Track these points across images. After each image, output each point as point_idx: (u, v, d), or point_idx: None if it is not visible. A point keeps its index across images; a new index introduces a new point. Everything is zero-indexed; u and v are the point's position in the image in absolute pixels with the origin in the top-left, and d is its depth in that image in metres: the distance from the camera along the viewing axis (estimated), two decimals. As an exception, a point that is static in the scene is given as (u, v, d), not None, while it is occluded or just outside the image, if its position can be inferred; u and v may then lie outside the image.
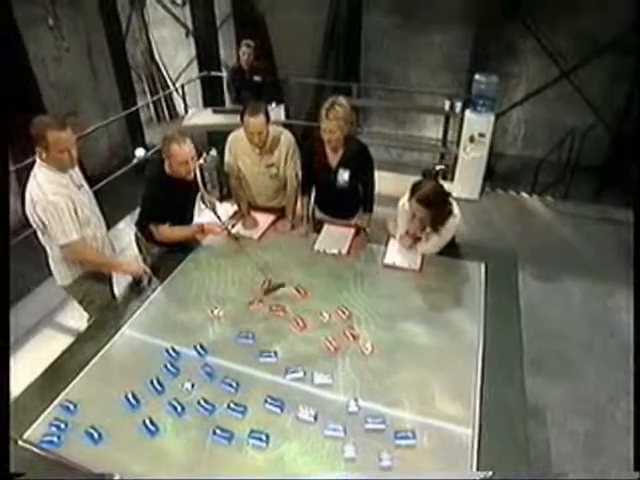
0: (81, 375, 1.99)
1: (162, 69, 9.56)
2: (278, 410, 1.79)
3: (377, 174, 2.82)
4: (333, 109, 2.52)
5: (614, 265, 3.92)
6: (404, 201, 2.54)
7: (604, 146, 6.16)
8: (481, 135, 4.68)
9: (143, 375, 1.95)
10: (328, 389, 1.88)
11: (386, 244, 2.74)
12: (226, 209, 3.21)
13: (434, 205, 2.38)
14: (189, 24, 7.92)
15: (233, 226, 2.96)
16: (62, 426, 1.77)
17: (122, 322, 2.25)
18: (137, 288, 2.47)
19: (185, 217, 2.75)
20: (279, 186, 3.03)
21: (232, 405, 1.81)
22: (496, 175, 6.58)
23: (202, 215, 3.07)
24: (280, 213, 3.06)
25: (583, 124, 6.03)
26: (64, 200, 2.19)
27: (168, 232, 2.65)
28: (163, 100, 9.29)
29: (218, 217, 2.62)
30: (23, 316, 3.60)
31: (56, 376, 2.01)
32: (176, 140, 2.40)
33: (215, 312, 2.28)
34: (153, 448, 1.69)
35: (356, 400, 1.81)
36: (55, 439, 1.72)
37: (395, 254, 2.63)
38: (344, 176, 2.73)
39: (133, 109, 7.32)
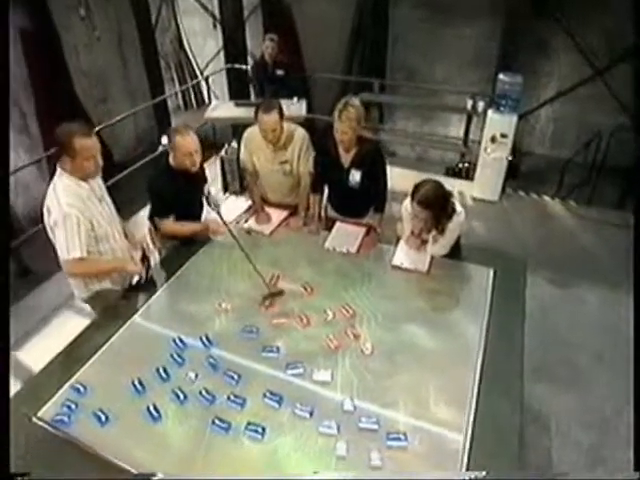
0: (92, 360, 2.08)
1: (190, 58, 9.67)
2: (276, 404, 1.85)
3: (399, 171, 2.83)
4: (346, 110, 2.54)
5: (632, 274, 3.82)
6: (407, 202, 2.55)
7: (632, 149, 5.98)
8: (503, 136, 4.60)
9: (150, 363, 2.03)
10: (326, 386, 1.93)
11: (396, 244, 2.76)
12: (241, 203, 3.27)
13: (435, 206, 2.38)
14: (217, 14, 7.98)
15: (246, 220, 3.02)
16: (72, 407, 1.86)
17: (133, 311, 2.34)
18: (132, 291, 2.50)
19: (192, 210, 2.79)
20: (292, 183, 3.07)
21: (232, 397, 1.87)
22: (521, 174, 6.48)
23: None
24: (293, 210, 3.10)
25: (613, 125, 5.86)
26: (77, 214, 2.13)
27: (172, 227, 2.69)
28: (191, 88, 9.42)
29: (222, 218, 2.57)
30: (45, 298, 3.77)
31: (70, 359, 2.11)
32: (180, 132, 2.45)
33: (223, 305, 2.34)
34: (155, 433, 1.77)
35: (352, 399, 1.85)
36: (65, 419, 1.82)
37: (403, 255, 2.65)
38: (356, 176, 2.75)
39: (161, 97, 7.46)
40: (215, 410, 1.83)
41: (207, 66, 9.35)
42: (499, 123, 4.61)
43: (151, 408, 1.84)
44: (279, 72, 5.15)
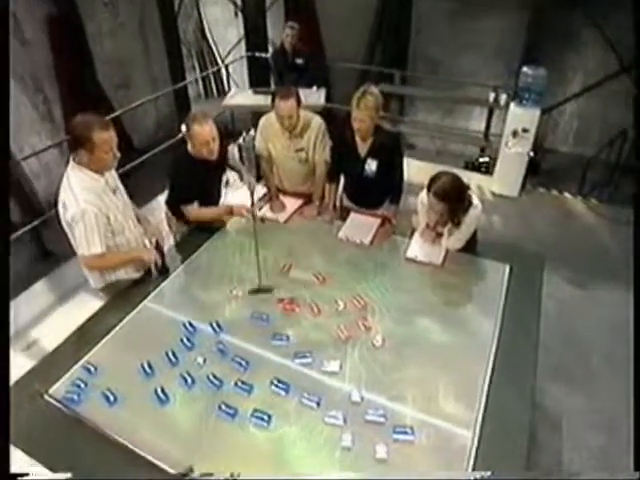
0: (104, 341, 2.11)
1: (212, 47, 9.67)
2: (283, 392, 1.84)
3: (416, 163, 2.77)
4: (364, 98, 2.50)
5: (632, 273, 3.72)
6: (423, 194, 2.50)
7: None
8: (525, 130, 4.49)
9: (160, 346, 2.04)
10: (334, 377, 1.91)
11: (411, 237, 2.72)
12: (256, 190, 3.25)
13: (451, 198, 2.33)
14: (239, 2, 7.95)
15: (261, 208, 3.01)
16: (82, 386, 1.89)
17: (145, 294, 2.35)
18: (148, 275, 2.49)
19: (211, 197, 2.79)
20: (308, 171, 3.05)
21: (239, 383, 1.87)
22: (542, 172, 6.33)
23: (229, 196, 3.11)
24: (308, 198, 3.08)
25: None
26: (95, 210, 2.10)
27: (197, 212, 2.71)
28: (211, 77, 9.42)
29: (252, 199, 2.60)
30: (63, 280, 3.83)
31: (82, 339, 2.14)
32: (197, 120, 2.44)
33: (234, 292, 2.34)
34: (161, 416, 1.78)
35: (360, 391, 1.83)
36: (75, 397, 1.84)
37: (417, 248, 2.61)
38: (372, 166, 2.72)
39: (182, 84, 7.48)
40: (222, 395, 1.84)
41: (228, 55, 9.34)
42: (521, 117, 4.50)
43: (159, 391, 1.85)
44: (299, 61, 5.11)
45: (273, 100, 2.72)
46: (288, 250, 2.61)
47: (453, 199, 2.33)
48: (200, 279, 2.46)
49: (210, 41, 9.66)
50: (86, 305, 3.35)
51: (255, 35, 6.98)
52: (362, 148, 2.73)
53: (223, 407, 1.78)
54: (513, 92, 4.81)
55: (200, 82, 9.48)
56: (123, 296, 2.39)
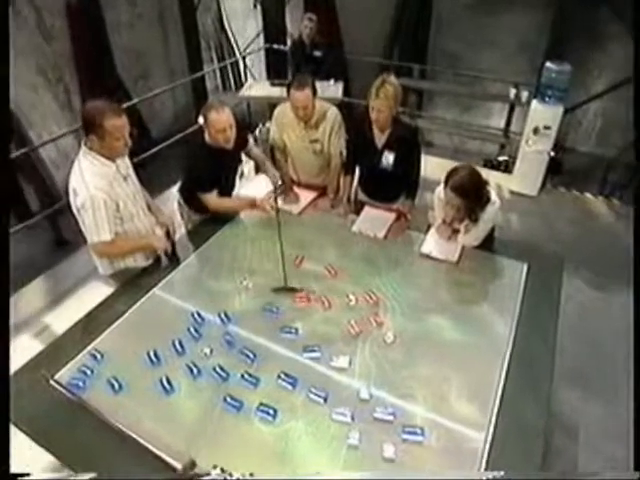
0: (111, 328, 2.09)
1: (231, 39, 9.65)
2: (290, 387, 1.79)
3: (434, 160, 2.69)
4: (383, 87, 2.44)
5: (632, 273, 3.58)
6: (440, 189, 2.43)
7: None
8: (546, 128, 4.36)
9: (167, 335, 2.01)
10: (343, 373, 1.86)
11: (426, 232, 2.65)
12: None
13: (469, 194, 2.25)
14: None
15: (274, 199, 2.96)
16: (88, 372, 1.87)
17: (154, 283, 2.33)
18: (158, 264, 2.46)
19: (225, 187, 2.75)
20: (322, 163, 2.99)
21: (246, 375, 1.83)
22: (563, 171, 6.17)
23: (243, 187, 3.08)
24: (322, 191, 3.02)
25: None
26: (105, 196, 2.07)
27: (217, 202, 2.65)
28: (229, 69, 9.41)
29: (276, 193, 2.59)
30: (77, 267, 3.84)
31: (89, 326, 2.12)
32: (214, 108, 2.40)
33: (244, 283, 2.30)
34: (166, 406, 1.75)
35: (369, 388, 1.78)
36: (80, 383, 1.82)
37: (432, 244, 2.54)
38: (389, 158, 2.65)
39: (200, 74, 7.47)
40: (228, 388, 1.80)
41: (247, 48, 9.31)
42: (543, 114, 4.36)
43: (164, 380, 1.82)
44: (317, 53, 5.04)
45: (288, 90, 2.67)
46: (300, 242, 2.56)
47: (471, 194, 2.26)
48: (210, 269, 2.43)
49: (229, 33, 9.65)
50: (98, 292, 3.38)
51: (273, 27, 6.93)
52: (379, 140, 2.66)
53: (228, 399, 1.74)
54: (535, 88, 4.68)
55: (218, 74, 9.47)
56: (133, 283, 2.36)
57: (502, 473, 1.48)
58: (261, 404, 1.73)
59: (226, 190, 2.76)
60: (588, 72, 6.20)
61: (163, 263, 2.47)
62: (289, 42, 6.28)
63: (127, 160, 2.33)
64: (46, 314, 3.50)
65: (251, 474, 1.45)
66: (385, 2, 6.82)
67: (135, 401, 1.76)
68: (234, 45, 9.70)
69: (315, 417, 1.69)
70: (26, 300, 3.45)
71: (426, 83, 6.05)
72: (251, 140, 2.87)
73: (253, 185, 3.03)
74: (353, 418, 1.68)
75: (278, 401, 1.74)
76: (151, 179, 3.13)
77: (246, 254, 2.52)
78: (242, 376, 1.83)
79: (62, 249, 5.03)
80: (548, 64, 4.31)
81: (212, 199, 2.63)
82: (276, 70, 6.42)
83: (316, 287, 2.27)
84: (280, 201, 2.94)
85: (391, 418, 1.67)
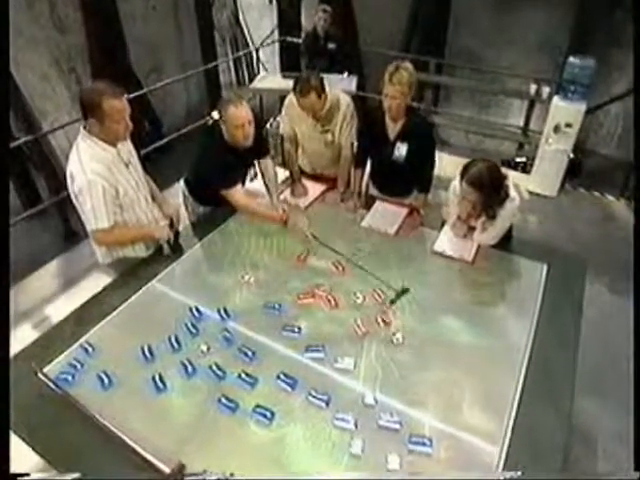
0: (105, 320, 1.99)
1: (246, 34, 9.57)
2: (289, 388, 1.68)
3: (448, 157, 2.55)
4: (398, 73, 2.31)
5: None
6: (455, 183, 2.29)
7: None
8: (568, 125, 4.18)
9: (163, 330, 1.91)
10: (347, 375, 1.74)
11: (440, 229, 2.51)
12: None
13: (487, 188, 2.11)
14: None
15: (281, 192, 2.85)
16: (78, 366, 1.78)
17: (153, 275, 2.23)
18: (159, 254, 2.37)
19: (242, 182, 2.62)
20: (333, 155, 2.87)
21: (243, 375, 1.72)
22: (582, 173, 5.97)
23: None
24: (332, 184, 2.90)
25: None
26: (103, 182, 1.97)
27: (246, 201, 2.50)
28: (244, 64, 9.32)
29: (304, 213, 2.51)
30: (81, 258, 3.77)
31: (83, 318, 2.03)
32: (233, 102, 2.27)
33: (246, 278, 2.19)
34: (157, 405, 1.64)
35: (374, 392, 1.66)
36: (69, 378, 1.73)
37: (447, 241, 2.40)
38: (402, 150, 2.52)
39: (213, 64, 7.40)
40: (223, 387, 1.69)
41: (262, 43, 9.22)
42: (565, 111, 4.18)
43: (157, 378, 1.72)
44: (331, 46, 4.92)
45: (294, 90, 2.55)
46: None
47: (489, 188, 2.12)
48: (212, 262, 2.33)
49: (244, 28, 9.57)
50: (101, 282, 3.30)
51: (288, 22, 6.85)
52: (392, 130, 2.53)
53: (223, 400, 1.63)
54: (557, 85, 4.50)
55: (232, 70, 9.39)
56: (132, 274, 2.27)
57: (519, 473, 1.40)
58: (258, 406, 1.61)
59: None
60: (609, 73, 5.98)
61: (164, 254, 2.37)
62: (303, 35, 6.18)
63: (130, 146, 2.23)
64: (48, 305, 3.43)
65: (231, 474, 1.34)
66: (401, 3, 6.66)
67: (125, 399, 1.66)
68: (249, 40, 9.61)
69: (315, 422, 1.58)
70: (29, 290, 3.38)
71: (443, 78, 5.86)
72: (268, 158, 2.75)
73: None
74: (356, 425, 1.55)
75: (276, 403, 1.63)
76: (161, 172, 3.04)
77: (250, 248, 2.41)
78: (239, 376, 1.72)
79: (72, 240, 4.98)
80: (571, 59, 4.13)
81: (239, 196, 2.48)
82: (290, 64, 6.30)
83: (322, 284, 2.15)
84: (287, 194, 2.84)
85: (397, 427, 1.55)
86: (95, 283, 2.49)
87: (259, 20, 9.33)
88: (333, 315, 2.00)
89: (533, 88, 4.73)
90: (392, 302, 2.05)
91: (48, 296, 3.32)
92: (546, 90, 4.59)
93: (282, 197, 2.78)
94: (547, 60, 6.12)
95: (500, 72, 5.68)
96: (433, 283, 2.20)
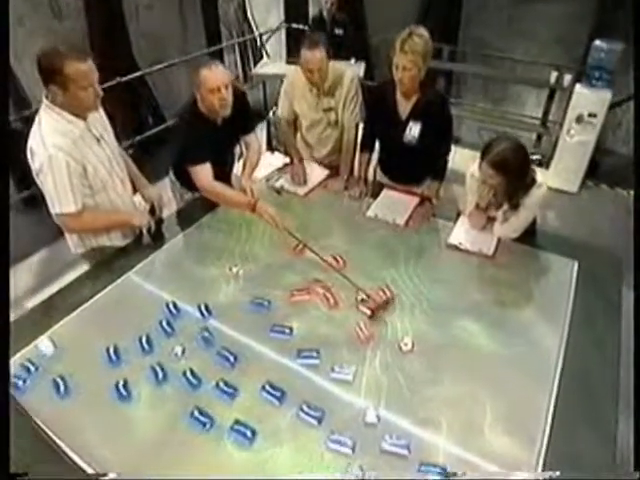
0: (71, 316, 1.74)
1: (254, 28, 9.34)
2: (276, 401, 1.40)
3: (462, 151, 2.27)
4: (411, 40, 2.01)
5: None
6: (474, 167, 2.01)
7: None
8: (592, 115, 3.86)
9: (134, 329, 1.65)
10: (345, 387, 1.46)
11: (456, 221, 2.23)
12: (276, 160, 2.84)
13: (511, 171, 1.82)
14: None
15: (278, 179, 2.59)
16: (32, 369, 1.52)
17: (129, 266, 1.97)
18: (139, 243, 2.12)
19: (222, 164, 2.35)
20: (339, 137, 2.59)
21: (222, 384, 1.45)
22: (600, 172, 5.66)
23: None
24: (335, 170, 2.62)
25: None
26: (67, 158, 1.71)
27: (211, 183, 2.16)
28: (251, 59, 9.08)
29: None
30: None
31: (48, 312, 1.78)
32: (206, 65, 2.02)
33: (234, 270, 1.92)
34: (119, 416, 1.38)
35: (377, 409, 1.38)
36: (20, 383, 1.47)
37: (463, 233, 2.12)
38: (414, 130, 2.23)
39: (218, 47, 7.16)
40: (198, 398, 1.42)
41: (270, 38, 8.99)
42: (589, 99, 3.86)
43: (120, 385, 1.45)
44: (338, 31, 4.66)
45: (299, 52, 2.30)
46: (305, 227, 2.16)
47: (513, 172, 1.83)
48: (197, 253, 2.07)
49: (252, 23, 9.34)
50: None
51: (295, 13, 6.63)
52: (403, 108, 2.24)
53: (196, 414, 1.37)
54: (578, 72, 4.18)
55: (239, 61, 9.16)
56: (106, 265, 2.01)
57: (558, 473, 1.22)
58: (237, 422, 1.34)
59: (222, 168, 2.36)
60: (628, 70, 5.66)
61: (144, 242, 2.12)
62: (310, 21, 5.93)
63: (104, 120, 1.97)
64: (31, 299, 3.19)
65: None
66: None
67: (82, 409, 1.40)
68: (256, 34, 9.39)
69: (305, 443, 1.30)
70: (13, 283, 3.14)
71: (456, 65, 5.54)
72: (256, 134, 2.47)
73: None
74: (354, 448, 1.28)
75: (259, 419, 1.36)
76: (156, 163, 2.82)
77: (240, 238, 2.14)
78: (217, 384, 1.45)
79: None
80: (597, 42, 3.82)
81: (205, 177, 2.16)
82: (296, 49, 6.05)
83: (320, 279, 1.88)
84: (285, 180, 2.57)
85: (404, 452, 1.27)
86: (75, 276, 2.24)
87: (266, 13, 9.10)
88: (331, 315, 1.73)
89: (554, 76, 4.41)
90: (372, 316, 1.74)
91: (23, 291, 3.08)
92: (567, 77, 4.27)
93: (278, 183, 2.51)
94: (564, 53, 5.81)
95: (519, 59, 5.35)
96: (448, 280, 1.92)
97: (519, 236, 2.08)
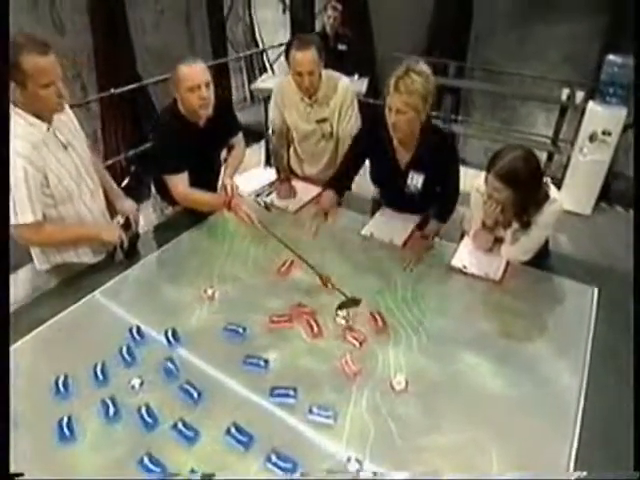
0: (24, 339, 1.53)
1: (264, 54, 9.36)
2: (241, 447, 1.19)
3: (466, 171, 2.03)
4: (407, 78, 1.71)
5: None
6: (480, 181, 1.80)
7: None
8: (606, 133, 3.67)
9: (91, 356, 1.45)
10: (325, 432, 1.24)
11: (459, 241, 2.02)
12: (268, 174, 2.66)
13: (521, 184, 1.62)
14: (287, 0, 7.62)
15: (269, 194, 2.41)
16: (-32, 403, 1.31)
17: (97, 284, 1.78)
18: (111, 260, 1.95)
19: (204, 172, 2.17)
20: (334, 150, 2.42)
21: (180, 425, 1.23)
22: (611, 196, 5.44)
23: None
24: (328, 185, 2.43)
25: None
26: (25, 164, 1.54)
27: (186, 191, 2.03)
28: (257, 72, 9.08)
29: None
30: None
31: (-1, 335, 1.58)
32: (184, 62, 1.87)
33: (209, 291, 1.72)
34: (57, 459, 1.17)
35: (359, 462, 1.15)
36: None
37: (467, 255, 1.91)
38: (417, 182, 1.98)
39: (224, 60, 7.13)
40: (152, 440, 1.21)
41: (277, 59, 9.00)
42: (603, 117, 3.67)
43: (64, 421, 1.24)
44: (341, 47, 4.54)
45: (288, 52, 2.14)
46: (294, 245, 1.94)
47: (523, 185, 1.64)
48: (172, 271, 1.87)
49: (260, 44, 9.37)
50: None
51: (300, 29, 6.61)
52: (403, 156, 1.97)
53: (146, 460, 1.15)
54: (591, 89, 4.02)
55: (246, 83, 9.15)
56: (72, 283, 1.82)
57: (584, 473, 1.14)
58: (193, 471, 1.13)
59: (207, 174, 2.20)
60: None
61: (116, 260, 1.93)
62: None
63: (75, 125, 1.80)
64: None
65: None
66: (420, 12, 6.31)
67: (17, 448, 1.18)
68: (265, 57, 9.41)
69: (273, 502, 1.08)
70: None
71: (465, 82, 5.41)
72: (240, 136, 2.31)
73: (241, 177, 2.44)
74: (332, 511, 1.06)
75: (220, 468, 1.14)
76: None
77: (221, 256, 1.95)
78: (175, 425, 1.24)
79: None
80: (611, 56, 3.65)
81: (180, 185, 2.02)
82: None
83: (305, 303, 1.68)
84: (274, 197, 2.39)
85: (392, 517, 1.04)
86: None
87: (274, 34, 9.14)
88: (314, 346, 1.52)
89: (565, 92, 4.25)
90: (339, 307, 1.62)
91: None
92: (580, 94, 4.10)
93: (268, 199, 2.34)
94: (573, 72, 5.68)
95: (529, 75, 5.20)
96: (449, 308, 1.70)
97: (530, 259, 1.86)
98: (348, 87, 2.26)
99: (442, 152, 1.95)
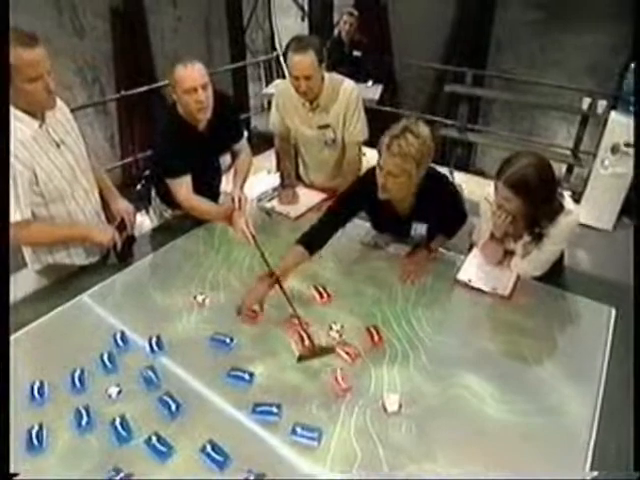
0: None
1: (281, 58, 9.39)
2: (215, 467, 1.10)
3: (481, 181, 1.91)
4: (403, 139, 1.54)
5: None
6: (489, 190, 1.69)
7: None
8: (628, 145, 3.50)
9: (71, 361, 1.39)
10: (307, 455, 1.15)
11: (467, 254, 1.91)
12: (271, 180, 2.58)
13: (533, 193, 1.50)
14: (306, 7, 7.61)
15: (271, 199, 2.34)
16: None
17: (87, 286, 1.73)
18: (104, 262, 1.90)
19: (209, 174, 2.12)
20: (339, 158, 2.33)
21: (154, 439, 1.16)
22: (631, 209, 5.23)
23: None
24: (332, 194, 2.33)
25: None
26: (15, 162, 1.50)
27: (189, 197, 1.96)
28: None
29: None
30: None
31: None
32: (181, 63, 1.81)
33: (199, 298, 1.65)
34: (23, 471, 1.10)
35: (343, 489, 1.06)
36: None
37: (474, 269, 1.80)
38: (421, 230, 1.89)
39: (240, 64, 7.14)
40: (124, 455, 1.14)
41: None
42: (626, 128, 3.51)
43: (34, 430, 1.18)
44: (356, 53, 4.49)
45: (285, 55, 2.07)
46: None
47: (535, 194, 1.52)
48: (164, 276, 1.81)
49: (280, 53, 9.40)
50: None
51: (320, 35, 6.59)
52: (402, 210, 1.84)
53: (114, 477, 1.07)
54: (613, 98, 3.86)
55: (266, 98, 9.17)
56: (60, 284, 1.78)
57: (595, 473, 1.11)
58: (162, 492, 1.05)
59: (208, 180, 2.14)
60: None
61: (109, 262, 1.88)
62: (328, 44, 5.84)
63: (71, 123, 1.75)
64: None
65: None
66: (441, 21, 6.24)
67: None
68: (284, 65, 9.42)
69: (245, 531, 0.99)
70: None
71: (484, 91, 5.29)
72: (244, 142, 2.24)
73: (250, 182, 2.36)
74: None
75: (192, 491, 1.06)
76: None
77: (215, 262, 1.88)
78: (149, 440, 1.16)
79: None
80: (634, 66, 3.50)
81: (182, 190, 1.95)
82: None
83: (297, 314, 1.59)
84: (275, 202, 2.31)
85: None
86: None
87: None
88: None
89: (587, 102, 4.09)
90: (299, 360, 1.42)
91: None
92: (602, 104, 3.94)
93: (269, 204, 2.27)
94: (595, 82, 5.53)
95: (549, 83, 5.05)
96: (452, 325, 1.60)
97: (543, 274, 1.74)
98: (352, 91, 2.16)
99: (444, 201, 1.82)
